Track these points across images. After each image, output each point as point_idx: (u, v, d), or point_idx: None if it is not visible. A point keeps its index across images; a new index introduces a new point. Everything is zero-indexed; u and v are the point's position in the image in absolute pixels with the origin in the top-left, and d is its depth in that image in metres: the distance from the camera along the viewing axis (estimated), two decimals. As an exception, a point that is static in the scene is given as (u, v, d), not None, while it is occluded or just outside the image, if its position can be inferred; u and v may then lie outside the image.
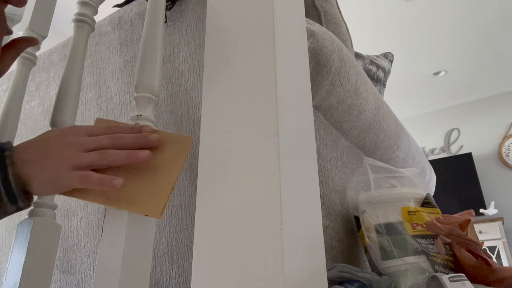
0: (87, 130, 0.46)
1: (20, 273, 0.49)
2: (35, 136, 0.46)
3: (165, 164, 0.44)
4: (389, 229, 0.64)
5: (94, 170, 0.43)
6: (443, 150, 4.47)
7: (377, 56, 1.50)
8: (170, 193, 0.42)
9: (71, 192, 0.42)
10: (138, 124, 0.48)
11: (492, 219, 3.55)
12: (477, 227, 3.54)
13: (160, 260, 0.64)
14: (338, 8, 1.05)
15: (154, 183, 0.42)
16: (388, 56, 1.54)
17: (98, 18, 0.79)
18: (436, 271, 0.58)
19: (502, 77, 4.05)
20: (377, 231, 0.65)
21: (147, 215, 0.41)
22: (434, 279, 0.48)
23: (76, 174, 0.41)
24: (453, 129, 4.47)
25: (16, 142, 0.57)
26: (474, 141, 4.31)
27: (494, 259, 0.64)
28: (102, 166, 0.43)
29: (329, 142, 0.79)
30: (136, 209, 0.41)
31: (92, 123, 0.55)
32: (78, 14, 0.64)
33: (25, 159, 0.42)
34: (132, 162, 0.43)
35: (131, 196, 0.41)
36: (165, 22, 0.78)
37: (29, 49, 0.72)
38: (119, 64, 0.85)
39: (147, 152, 0.44)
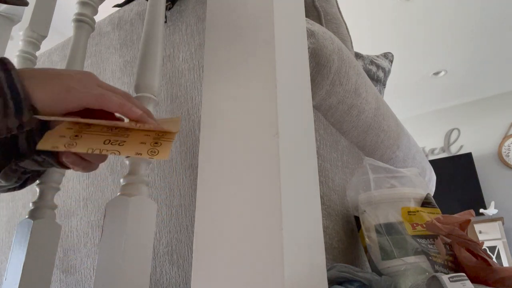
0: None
1: (20, 273, 0.49)
2: None
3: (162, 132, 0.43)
4: (389, 229, 0.64)
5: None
6: (443, 150, 4.47)
7: (377, 56, 1.50)
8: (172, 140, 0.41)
9: (75, 117, 0.39)
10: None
11: (492, 219, 3.55)
12: (477, 227, 3.54)
13: (160, 260, 0.64)
14: (338, 8, 1.05)
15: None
16: (388, 56, 1.54)
17: (98, 18, 0.79)
18: (436, 271, 0.58)
19: (502, 77, 4.05)
20: (377, 231, 0.65)
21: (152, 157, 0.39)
22: (434, 279, 0.48)
23: (93, 90, 0.38)
24: (453, 129, 4.47)
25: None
26: (474, 141, 4.31)
27: (494, 259, 0.64)
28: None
29: (329, 142, 0.79)
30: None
31: None
32: (78, 14, 0.64)
33: (30, 73, 0.38)
34: (142, 118, 0.41)
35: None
36: (165, 22, 0.78)
37: (29, 49, 0.72)
38: (119, 64, 0.85)
39: (154, 123, 0.42)
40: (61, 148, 0.38)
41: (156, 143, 0.40)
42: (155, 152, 0.38)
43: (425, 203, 0.69)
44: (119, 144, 0.39)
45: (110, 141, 0.39)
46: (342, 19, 1.04)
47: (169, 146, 0.40)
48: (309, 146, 0.45)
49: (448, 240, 0.64)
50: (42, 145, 0.39)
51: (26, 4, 0.56)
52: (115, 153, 0.38)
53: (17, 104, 0.35)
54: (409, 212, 0.66)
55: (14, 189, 0.52)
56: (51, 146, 0.38)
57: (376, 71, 1.42)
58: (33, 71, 0.39)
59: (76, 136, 0.39)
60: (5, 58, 0.38)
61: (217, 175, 0.41)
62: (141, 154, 0.38)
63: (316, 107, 0.76)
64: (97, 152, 0.38)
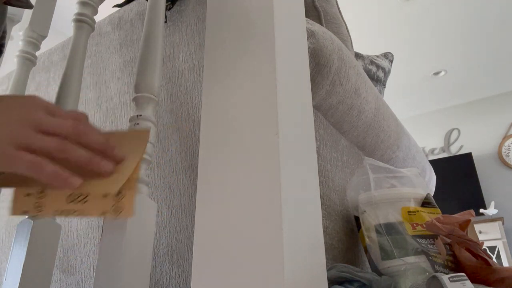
0: (49, 107, 0.36)
1: (20, 273, 0.49)
2: None
3: (123, 166, 0.40)
4: (389, 229, 0.64)
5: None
6: (443, 150, 4.46)
7: (377, 56, 1.50)
8: (135, 187, 0.39)
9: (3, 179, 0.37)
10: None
11: (492, 219, 3.55)
12: (477, 227, 3.54)
13: (160, 260, 0.64)
14: (338, 8, 1.05)
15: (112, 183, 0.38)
16: (388, 56, 1.54)
17: (98, 18, 0.79)
18: (436, 271, 0.58)
19: (502, 77, 4.05)
20: (377, 231, 0.65)
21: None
22: (434, 279, 0.48)
23: (24, 157, 0.32)
24: (453, 129, 4.47)
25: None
26: (474, 141, 4.31)
27: (494, 259, 0.64)
28: (55, 158, 0.34)
29: (329, 142, 0.79)
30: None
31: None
32: (78, 14, 0.64)
33: None
34: (92, 168, 0.36)
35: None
36: (165, 22, 0.78)
37: (29, 49, 0.72)
38: (119, 64, 0.85)
39: (111, 166, 0.37)
40: (33, 213, 0.39)
41: (120, 193, 0.38)
42: (118, 209, 0.37)
43: (425, 203, 0.69)
44: (83, 200, 0.38)
45: (73, 197, 0.38)
46: (342, 19, 1.04)
47: (132, 198, 0.38)
48: (309, 146, 0.45)
49: (448, 240, 0.64)
50: (14, 211, 0.39)
51: (31, 7, 0.55)
52: (80, 215, 0.38)
53: None
54: (409, 212, 0.66)
55: None
56: (22, 211, 0.39)
57: (376, 71, 1.42)
58: None
59: (41, 192, 0.39)
60: None
61: (217, 175, 0.41)
62: (106, 214, 0.38)
63: (316, 107, 0.76)
64: (64, 215, 0.38)
